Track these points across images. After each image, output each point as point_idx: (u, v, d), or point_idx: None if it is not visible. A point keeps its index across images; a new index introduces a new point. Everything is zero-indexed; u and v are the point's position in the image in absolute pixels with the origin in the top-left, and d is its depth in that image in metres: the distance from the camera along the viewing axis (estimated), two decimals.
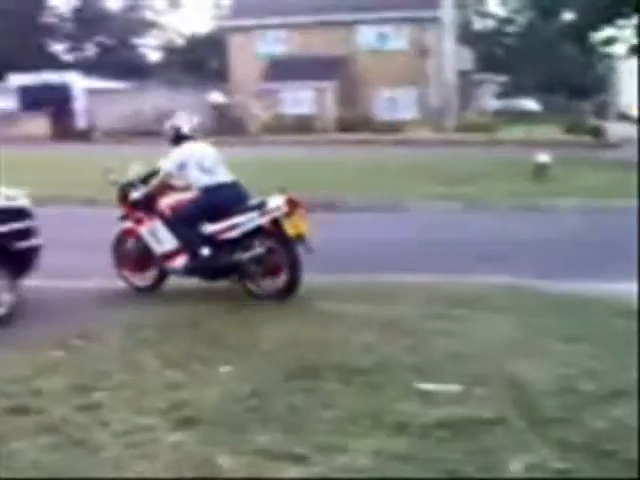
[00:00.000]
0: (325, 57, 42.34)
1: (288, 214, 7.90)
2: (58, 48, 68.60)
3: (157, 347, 6.57)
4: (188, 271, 8.40)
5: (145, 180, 8.73)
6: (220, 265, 8.22)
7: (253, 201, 8.18)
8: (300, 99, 42.15)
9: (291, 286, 8.05)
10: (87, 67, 51.77)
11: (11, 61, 48.86)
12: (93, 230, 13.31)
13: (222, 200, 8.19)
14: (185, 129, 8.53)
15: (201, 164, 8.27)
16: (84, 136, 38.35)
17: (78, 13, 66.56)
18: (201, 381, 5.75)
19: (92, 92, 41.43)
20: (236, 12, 46.94)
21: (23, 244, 8.23)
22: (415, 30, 43.50)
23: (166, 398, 5.43)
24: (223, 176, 8.36)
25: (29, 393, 5.59)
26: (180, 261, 8.43)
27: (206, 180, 8.25)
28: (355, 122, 40.74)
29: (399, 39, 43.65)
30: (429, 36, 43.75)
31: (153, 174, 8.67)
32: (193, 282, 8.73)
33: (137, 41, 71.35)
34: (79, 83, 42.27)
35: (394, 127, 39.98)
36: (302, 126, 40.27)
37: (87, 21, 65.07)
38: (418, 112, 43.01)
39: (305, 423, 4.97)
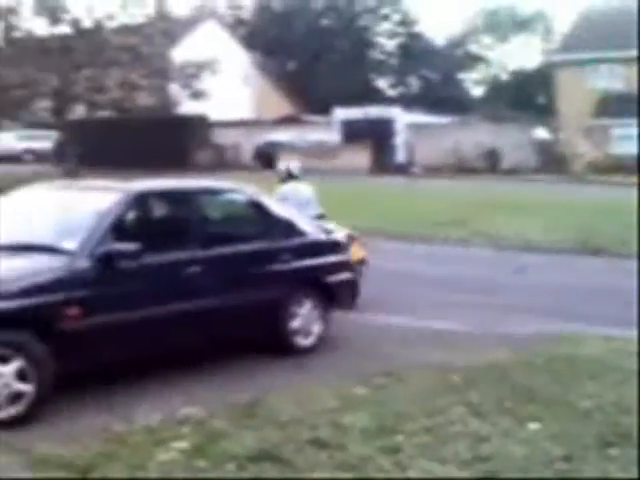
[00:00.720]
0: None
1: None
2: (383, 83, 70.90)
3: (463, 393, 6.32)
4: None
5: None
6: None
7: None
8: (634, 137, 39.76)
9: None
10: (409, 102, 52.90)
11: (338, 96, 51.12)
12: (408, 265, 13.47)
13: None
14: (293, 171, 10.75)
15: (298, 199, 10.09)
16: (402, 170, 39.08)
17: (404, 49, 68.40)
18: (507, 435, 5.41)
19: (412, 127, 42.13)
20: (566, 46, 45.70)
21: (337, 277, 8.36)
22: None
23: (469, 449, 5.16)
24: (313, 210, 10.11)
25: (331, 427, 5.55)
26: None
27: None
28: None
29: None
30: None
31: None
32: (508, 331, 8.53)
33: (461, 76, 71.88)
34: (401, 118, 43.18)
35: None
36: (634, 166, 37.88)
37: (412, 56, 66.62)
38: None
39: None
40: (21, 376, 5.78)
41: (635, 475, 4.39)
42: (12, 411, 5.75)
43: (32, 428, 5.66)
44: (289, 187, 10.50)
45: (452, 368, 7.07)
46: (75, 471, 4.87)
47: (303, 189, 10.54)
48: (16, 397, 5.77)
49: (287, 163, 11.34)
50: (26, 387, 5.80)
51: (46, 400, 5.95)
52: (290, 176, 10.75)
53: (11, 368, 5.74)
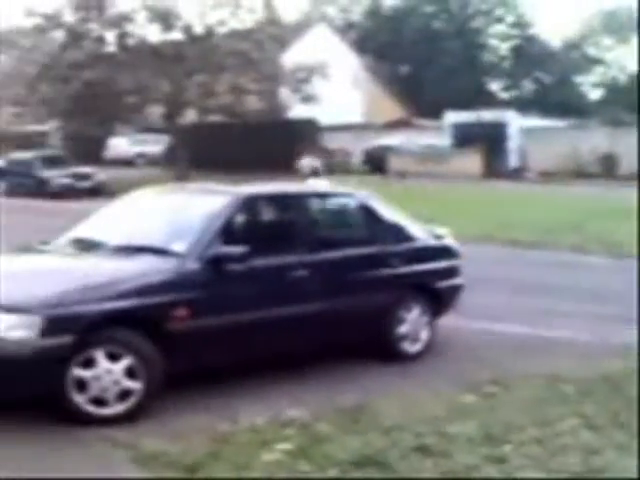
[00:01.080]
0: None
1: None
2: (495, 86, 69.90)
3: (575, 404, 6.12)
4: None
5: None
6: None
7: None
8: None
9: None
10: (522, 105, 51.98)
11: (450, 99, 50.68)
12: (518, 272, 13.19)
13: None
14: (315, 169, 11.67)
15: None
16: (515, 175, 38.36)
17: (518, 51, 67.33)
18: (621, 449, 5.20)
19: (526, 131, 41.34)
20: None
21: (446, 283, 8.25)
22: None
23: (580, 461, 4.98)
24: None
25: (436, 434, 5.45)
26: None
27: None
28: None
29: None
30: None
31: None
32: (624, 341, 8.31)
33: (577, 79, 70.21)
34: (514, 121, 42.41)
35: None
36: None
37: (526, 59, 65.54)
38: None
39: None
40: (130, 374, 5.90)
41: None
42: (121, 407, 5.87)
43: (139, 424, 5.77)
44: (309, 184, 11.32)
45: (563, 378, 6.84)
46: (181, 468, 4.92)
47: (322, 186, 11.00)
48: (125, 394, 5.88)
49: (310, 161, 12.02)
50: (135, 384, 5.91)
51: (154, 398, 6.05)
52: (313, 174, 11.68)
53: (121, 365, 5.86)
